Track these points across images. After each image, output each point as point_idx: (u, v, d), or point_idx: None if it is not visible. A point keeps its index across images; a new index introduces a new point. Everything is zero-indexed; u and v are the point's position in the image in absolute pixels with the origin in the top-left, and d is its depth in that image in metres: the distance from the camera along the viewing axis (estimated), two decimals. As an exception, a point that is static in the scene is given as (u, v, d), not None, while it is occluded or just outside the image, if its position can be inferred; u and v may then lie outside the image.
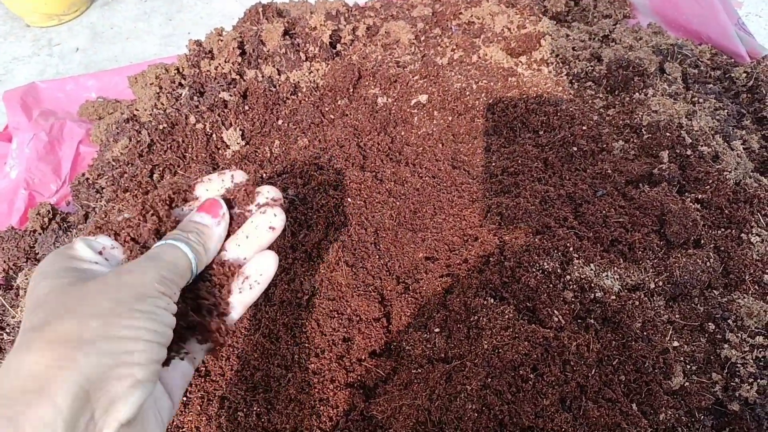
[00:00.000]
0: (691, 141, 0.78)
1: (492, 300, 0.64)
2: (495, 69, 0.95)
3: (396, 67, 0.98)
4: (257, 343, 0.70)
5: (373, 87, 0.96)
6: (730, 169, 0.74)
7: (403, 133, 0.89)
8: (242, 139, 0.91)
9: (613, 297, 0.63)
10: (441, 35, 1.08)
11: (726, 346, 0.61)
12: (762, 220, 0.69)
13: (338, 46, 1.07)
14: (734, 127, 0.84)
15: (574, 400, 0.57)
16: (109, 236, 0.37)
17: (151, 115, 0.96)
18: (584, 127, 0.83)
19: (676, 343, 0.62)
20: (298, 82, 0.98)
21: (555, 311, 0.62)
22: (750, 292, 0.65)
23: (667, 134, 0.78)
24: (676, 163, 0.76)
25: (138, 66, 1.17)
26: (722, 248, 0.69)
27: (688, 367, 0.61)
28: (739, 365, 0.60)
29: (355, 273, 0.72)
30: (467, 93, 0.91)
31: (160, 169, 0.90)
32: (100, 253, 0.35)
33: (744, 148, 0.80)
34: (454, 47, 1.02)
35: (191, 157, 0.91)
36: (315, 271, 0.74)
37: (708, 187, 0.73)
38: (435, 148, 0.85)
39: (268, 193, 0.43)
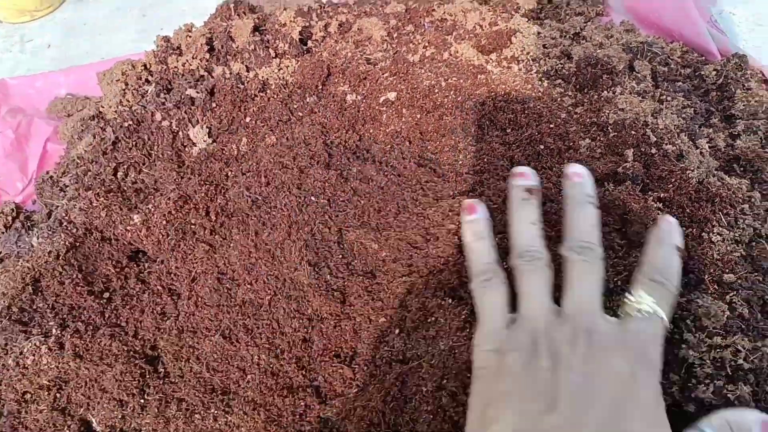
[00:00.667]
0: (656, 139, 0.77)
1: (450, 300, 0.64)
2: (465, 66, 0.94)
3: (366, 64, 0.97)
4: (216, 344, 0.69)
5: (342, 84, 0.95)
6: (693, 168, 0.74)
7: (371, 131, 0.88)
8: (209, 137, 0.90)
9: (572, 297, 0.63)
10: (414, 32, 1.07)
11: (684, 346, 0.61)
12: (723, 219, 0.69)
13: (309, 43, 1.06)
14: (701, 125, 0.84)
15: (529, 400, 0.57)
16: None
17: (116, 112, 0.95)
18: (552, 125, 0.83)
19: (634, 343, 0.61)
20: (267, 79, 0.97)
21: (513, 311, 0.62)
22: (709, 291, 0.64)
23: (632, 132, 0.78)
24: (640, 161, 0.76)
25: (109, 62, 1.15)
26: (683, 247, 0.68)
27: (646, 366, 0.60)
28: (696, 366, 0.59)
29: (318, 272, 0.71)
30: (436, 90, 0.90)
31: (125, 167, 0.88)
32: None
33: (710, 147, 0.79)
34: (426, 44, 1.01)
35: (156, 155, 0.89)
36: (278, 271, 0.73)
37: (671, 185, 0.72)
38: (402, 145, 0.84)
39: None
